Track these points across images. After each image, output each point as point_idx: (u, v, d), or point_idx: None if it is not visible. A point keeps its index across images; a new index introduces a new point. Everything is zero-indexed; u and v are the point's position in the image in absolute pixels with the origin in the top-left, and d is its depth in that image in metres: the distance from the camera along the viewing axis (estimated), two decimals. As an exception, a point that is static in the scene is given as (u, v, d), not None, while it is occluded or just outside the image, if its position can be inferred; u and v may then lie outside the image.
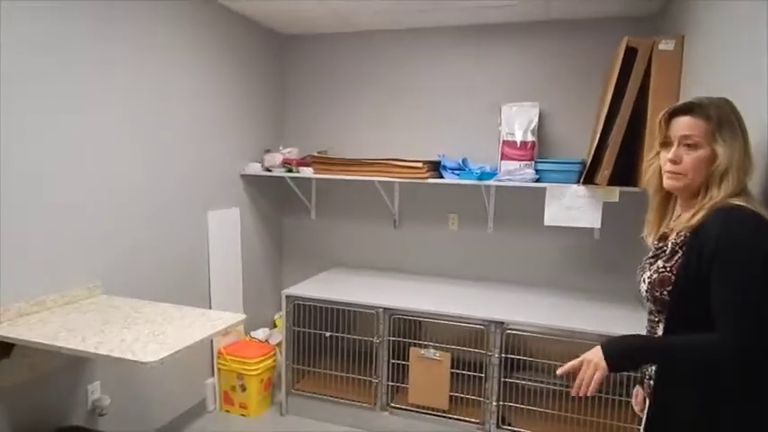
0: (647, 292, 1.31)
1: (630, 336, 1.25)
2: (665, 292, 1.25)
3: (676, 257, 1.24)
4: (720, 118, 1.21)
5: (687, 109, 1.26)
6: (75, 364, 2.17)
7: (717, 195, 1.19)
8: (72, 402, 2.18)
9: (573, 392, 1.27)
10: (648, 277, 1.30)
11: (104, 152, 2.27)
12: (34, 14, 1.92)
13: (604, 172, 2.38)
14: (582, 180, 2.61)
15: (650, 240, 1.42)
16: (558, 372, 1.32)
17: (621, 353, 1.22)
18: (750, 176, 1.23)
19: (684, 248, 1.22)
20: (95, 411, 2.27)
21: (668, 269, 1.25)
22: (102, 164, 2.26)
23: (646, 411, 1.35)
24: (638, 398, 1.53)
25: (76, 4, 2.08)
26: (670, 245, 1.28)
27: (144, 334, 1.79)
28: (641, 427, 1.38)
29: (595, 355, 1.23)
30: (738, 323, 1.10)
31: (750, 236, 1.12)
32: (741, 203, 1.16)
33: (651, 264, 1.33)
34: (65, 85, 2.06)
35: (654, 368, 1.32)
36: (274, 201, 3.62)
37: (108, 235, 2.31)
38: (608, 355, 1.21)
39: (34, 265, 1.98)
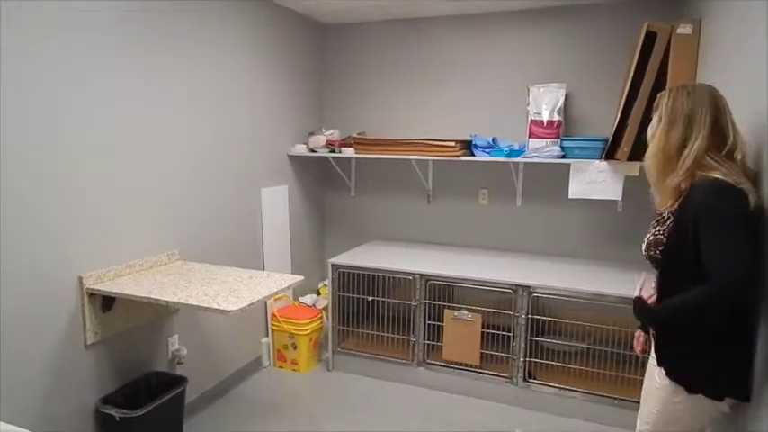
0: (645, 251, 1.57)
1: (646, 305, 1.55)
2: (658, 252, 1.51)
3: (668, 223, 1.50)
4: (660, 98, 1.52)
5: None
6: (159, 319, 2.55)
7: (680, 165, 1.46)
8: (156, 351, 2.56)
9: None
10: (647, 239, 1.56)
11: (179, 140, 2.61)
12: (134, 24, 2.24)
13: (624, 149, 2.58)
14: (604, 156, 2.81)
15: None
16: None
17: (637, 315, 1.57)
18: (692, 141, 1.43)
19: (674, 215, 1.48)
20: (175, 360, 2.65)
21: (661, 233, 1.51)
22: (178, 150, 2.60)
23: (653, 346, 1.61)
24: (640, 339, 1.79)
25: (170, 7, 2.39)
26: (666, 212, 1.53)
27: (222, 290, 2.13)
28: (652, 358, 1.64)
29: None
30: (720, 268, 1.32)
31: (721, 202, 1.36)
32: (717, 176, 1.39)
33: (653, 227, 1.58)
34: (155, 84, 2.40)
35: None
36: (317, 179, 3.93)
37: (183, 209, 2.66)
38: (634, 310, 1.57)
39: (126, 235, 2.34)
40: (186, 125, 2.65)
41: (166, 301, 2.01)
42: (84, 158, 2.12)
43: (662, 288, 1.53)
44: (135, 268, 2.37)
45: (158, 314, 2.51)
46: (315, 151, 3.54)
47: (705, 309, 1.38)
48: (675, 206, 1.49)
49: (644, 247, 1.58)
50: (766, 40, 1.59)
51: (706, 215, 1.37)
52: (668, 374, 1.50)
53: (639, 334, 1.80)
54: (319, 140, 3.52)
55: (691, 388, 1.46)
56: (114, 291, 2.11)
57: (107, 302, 2.21)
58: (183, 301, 2.00)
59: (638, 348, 1.82)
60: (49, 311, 2.02)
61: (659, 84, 2.49)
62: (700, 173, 1.42)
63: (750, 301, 1.41)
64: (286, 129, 3.50)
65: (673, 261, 1.47)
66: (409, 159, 3.37)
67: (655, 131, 1.51)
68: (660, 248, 1.50)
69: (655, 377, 1.57)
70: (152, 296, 2.05)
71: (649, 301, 1.56)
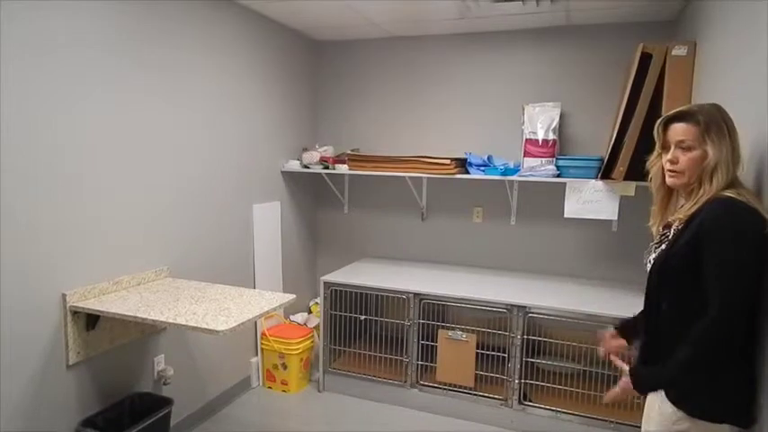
0: (654, 270, 1.53)
1: (647, 369, 1.53)
2: (663, 270, 1.48)
3: (676, 241, 1.46)
4: (708, 122, 1.43)
5: (680, 116, 1.48)
6: (145, 338, 2.47)
7: (710, 188, 1.40)
8: (142, 371, 2.48)
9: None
10: (654, 258, 1.52)
11: (170, 154, 2.56)
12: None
13: (620, 169, 2.57)
14: (600, 176, 2.80)
15: (654, 229, 1.65)
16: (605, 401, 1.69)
17: (644, 384, 1.53)
18: (739, 169, 1.44)
19: (680, 232, 1.44)
20: (161, 380, 2.56)
21: (667, 249, 1.47)
22: (168, 164, 2.55)
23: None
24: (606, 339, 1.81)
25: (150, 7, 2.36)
26: (672, 231, 1.50)
27: (211, 309, 2.06)
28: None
29: (628, 387, 1.56)
30: (724, 297, 1.31)
31: (733, 222, 1.33)
32: (731, 194, 1.37)
33: (656, 248, 1.56)
34: (146, 98, 2.36)
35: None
36: (310, 195, 3.89)
37: (173, 225, 2.60)
38: (636, 385, 1.54)
39: (113, 251, 2.28)
40: (177, 139, 2.61)
41: (153, 320, 1.94)
42: (70, 170, 2.06)
43: (656, 312, 1.51)
44: (121, 285, 2.30)
45: (144, 333, 2.43)
46: (308, 167, 3.51)
47: (714, 339, 1.35)
48: (682, 225, 1.46)
49: (649, 267, 1.55)
50: (765, 62, 1.59)
51: (717, 234, 1.34)
52: (670, 400, 1.46)
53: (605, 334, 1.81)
54: (313, 156, 3.49)
55: (694, 413, 1.41)
56: (99, 309, 2.04)
57: (91, 321, 2.14)
58: (170, 320, 1.93)
59: (601, 351, 1.84)
60: (30, 330, 1.94)
61: (655, 104, 2.49)
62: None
63: (756, 326, 1.38)
64: (279, 144, 3.47)
65: (678, 280, 1.44)
66: (403, 176, 3.34)
67: (721, 141, 1.42)
68: (666, 267, 1.47)
69: (656, 402, 1.53)
70: (138, 315, 1.98)
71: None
